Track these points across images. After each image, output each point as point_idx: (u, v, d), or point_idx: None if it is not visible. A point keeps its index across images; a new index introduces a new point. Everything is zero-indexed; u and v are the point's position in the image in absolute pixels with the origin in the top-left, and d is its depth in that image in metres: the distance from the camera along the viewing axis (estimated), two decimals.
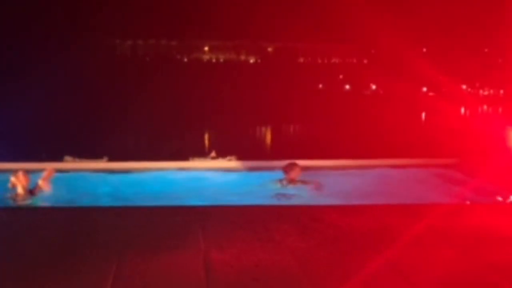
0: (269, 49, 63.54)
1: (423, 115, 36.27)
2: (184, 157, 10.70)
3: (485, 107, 44.77)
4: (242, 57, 63.64)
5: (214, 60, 63.61)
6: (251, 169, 9.88)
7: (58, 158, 10.15)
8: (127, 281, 3.78)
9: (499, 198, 8.39)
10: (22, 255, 4.36)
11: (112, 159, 10.37)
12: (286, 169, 8.65)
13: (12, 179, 7.61)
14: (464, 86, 51.52)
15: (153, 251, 4.38)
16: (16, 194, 7.51)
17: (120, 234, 4.93)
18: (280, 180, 8.58)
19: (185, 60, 60.59)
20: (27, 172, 7.77)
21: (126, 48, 55.61)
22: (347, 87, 59.26)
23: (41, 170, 8.73)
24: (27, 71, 34.50)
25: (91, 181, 8.89)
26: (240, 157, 10.69)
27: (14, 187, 7.58)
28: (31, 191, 7.62)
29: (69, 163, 9.92)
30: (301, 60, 62.41)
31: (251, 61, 63.56)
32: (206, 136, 24.14)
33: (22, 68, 35.68)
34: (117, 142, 15.35)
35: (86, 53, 42.70)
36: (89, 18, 43.79)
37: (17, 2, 39.89)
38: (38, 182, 7.73)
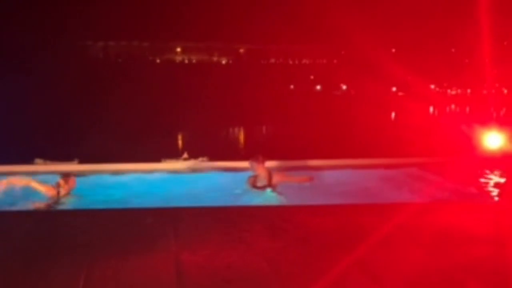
0: (241, 50, 63.62)
1: (393, 114, 36.70)
2: (156, 159, 10.68)
3: (453, 106, 45.53)
4: (215, 58, 63.61)
5: (186, 61, 63.41)
6: (223, 170, 9.91)
7: (29, 160, 10.05)
8: (98, 285, 3.77)
9: (467, 197, 8.57)
10: None
11: (83, 161, 10.30)
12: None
13: (61, 181, 7.87)
14: (432, 86, 52.30)
15: (124, 254, 4.36)
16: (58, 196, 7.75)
17: (90, 237, 4.90)
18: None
19: (158, 61, 60.29)
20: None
21: (98, 49, 55.03)
22: (318, 87, 59.67)
23: (12, 173, 8.68)
24: None
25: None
26: (212, 158, 10.72)
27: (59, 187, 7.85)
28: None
29: (40, 166, 9.82)
30: (273, 61, 62.65)
31: (223, 62, 63.55)
32: (179, 137, 24.06)
33: None
34: (89, 143, 15.20)
35: (58, 54, 42.13)
36: (61, 19, 43.24)
37: None
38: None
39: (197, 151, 11.38)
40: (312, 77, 60.42)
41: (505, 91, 42.25)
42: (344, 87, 58.26)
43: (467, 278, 3.99)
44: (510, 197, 8.76)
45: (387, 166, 10.12)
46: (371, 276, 3.99)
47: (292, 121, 28.55)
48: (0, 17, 39.09)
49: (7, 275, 3.96)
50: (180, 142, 22.82)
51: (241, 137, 27.70)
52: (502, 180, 9.77)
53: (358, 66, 45.58)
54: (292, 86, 57.05)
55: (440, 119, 35.53)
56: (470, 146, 11.39)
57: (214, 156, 10.86)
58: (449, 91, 56.01)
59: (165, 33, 54.87)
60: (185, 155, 10.86)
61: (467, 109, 40.63)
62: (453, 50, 52.68)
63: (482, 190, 9.14)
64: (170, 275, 3.94)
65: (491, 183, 9.60)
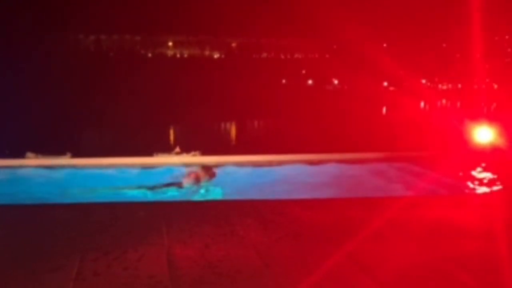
0: (233, 45, 63.48)
1: (384, 109, 36.81)
2: (149, 153, 10.68)
3: (443, 101, 45.75)
4: (206, 52, 63.41)
5: (178, 55, 63.20)
6: (215, 164, 9.92)
7: (20, 154, 10.02)
8: (90, 279, 3.77)
9: (458, 191, 8.63)
10: None
11: (75, 155, 10.28)
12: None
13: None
14: (423, 81, 52.48)
15: (116, 248, 4.37)
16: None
17: (82, 231, 4.89)
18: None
19: (149, 55, 60.04)
20: None
21: (89, 43, 54.66)
22: (310, 82, 59.71)
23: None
24: None
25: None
26: (204, 152, 10.73)
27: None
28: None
29: (32, 160, 9.79)
30: (265, 55, 62.55)
31: (215, 56, 63.40)
32: (171, 132, 24.02)
33: None
34: (81, 137, 15.18)
35: (50, 48, 41.86)
36: (52, 13, 42.96)
37: None
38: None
39: (189, 145, 11.39)
40: (304, 71, 60.43)
41: (496, 86, 42.46)
42: (336, 81, 58.37)
43: (458, 271, 4.03)
44: (499, 191, 8.83)
45: (377, 160, 10.17)
46: (363, 269, 4.02)
47: (284, 115, 28.57)
48: None
49: None
50: (172, 136, 22.78)
51: (233, 131, 27.68)
52: (492, 174, 9.85)
53: (349, 60, 45.62)
54: (284, 81, 57.03)
55: (431, 114, 35.67)
56: (460, 140, 11.46)
57: (206, 150, 10.88)
58: (440, 85, 56.22)
59: (157, 27, 54.70)
60: (177, 149, 10.86)
61: (458, 104, 40.83)
62: (444, 45, 52.82)
63: (473, 184, 9.22)
64: (162, 268, 3.95)
65: (481, 177, 9.68)
